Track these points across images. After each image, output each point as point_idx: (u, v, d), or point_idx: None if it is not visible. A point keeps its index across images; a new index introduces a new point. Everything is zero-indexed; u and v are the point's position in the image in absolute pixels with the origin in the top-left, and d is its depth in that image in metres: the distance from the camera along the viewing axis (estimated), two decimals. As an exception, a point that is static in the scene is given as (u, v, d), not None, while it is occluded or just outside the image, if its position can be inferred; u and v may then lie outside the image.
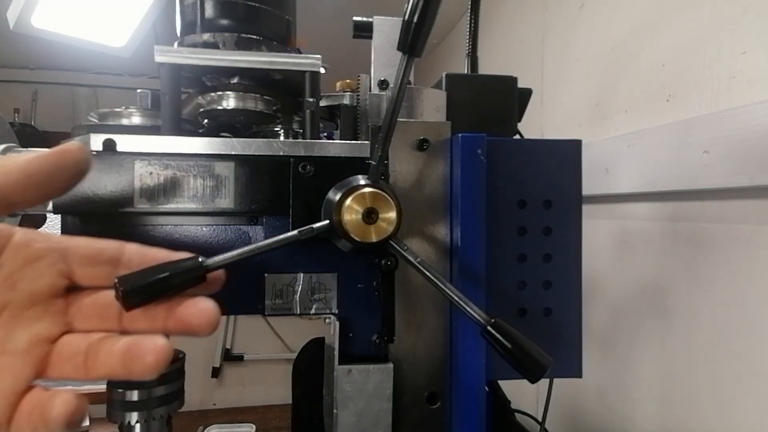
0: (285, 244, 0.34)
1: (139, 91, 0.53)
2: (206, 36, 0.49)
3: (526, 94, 0.53)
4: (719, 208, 0.67)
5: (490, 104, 0.48)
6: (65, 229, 0.41)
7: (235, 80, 0.50)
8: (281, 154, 0.41)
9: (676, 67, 0.76)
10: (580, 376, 0.46)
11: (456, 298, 0.36)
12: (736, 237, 0.65)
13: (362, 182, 0.38)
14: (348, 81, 0.54)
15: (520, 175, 0.45)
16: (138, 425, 0.48)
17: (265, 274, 0.42)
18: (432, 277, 0.37)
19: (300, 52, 0.50)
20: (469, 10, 0.60)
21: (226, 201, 0.40)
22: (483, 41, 0.62)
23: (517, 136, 0.52)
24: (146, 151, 0.40)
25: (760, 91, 0.62)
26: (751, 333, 0.62)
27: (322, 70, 0.48)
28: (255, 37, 0.50)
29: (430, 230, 0.44)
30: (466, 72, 0.61)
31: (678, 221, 0.74)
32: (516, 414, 0.61)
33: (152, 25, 0.83)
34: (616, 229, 0.89)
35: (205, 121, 0.53)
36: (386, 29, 0.47)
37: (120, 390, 0.46)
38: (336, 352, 0.42)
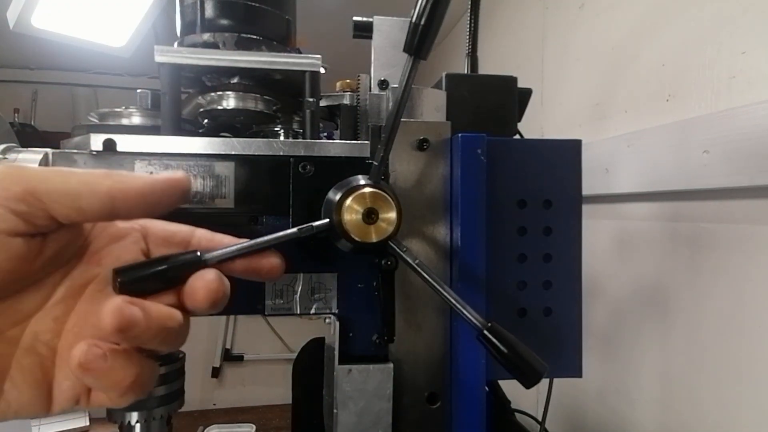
0: (284, 240, 0.34)
1: (139, 91, 0.53)
2: (206, 36, 0.49)
3: (526, 94, 0.53)
4: (719, 207, 0.67)
5: (490, 104, 0.48)
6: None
7: (235, 80, 0.50)
8: (281, 154, 0.41)
9: (676, 67, 0.76)
10: (580, 376, 0.46)
11: (453, 301, 0.36)
12: (736, 237, 0.65)
13: (362, 182, 0.38)
14: (348, 81, 0.54)
15: (520, 175, 0.45)
16: (138, 425, 0.48)
17: (265, 274, 0.42)
18: (430, 280, 0.37)
19: (300, 52, 0.50)
20: (469, 10, 0.60)
21: (226, 201, 0.40)
22: (483, 41, 0.62)
23: (517, 136, 0.52)
24: (146, 151, 0.40)
25: (760, 91, 0.62)
26: (752, 333, 0.62)
27: (322, 70, 0.48)
28: (255, 37, 0.50)
29: (430, 230, 0.44)
30: (466, 72, 0.61)
31: (678, 221, 0.74)
32: (516, 414, 0.61)
33: (152, 25, 0.83)
34: (616, 229, 0.89)
35: (205, 121, 0.53)
36: (386, 29, 0.47)
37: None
38: (336, 352, 0.42)
